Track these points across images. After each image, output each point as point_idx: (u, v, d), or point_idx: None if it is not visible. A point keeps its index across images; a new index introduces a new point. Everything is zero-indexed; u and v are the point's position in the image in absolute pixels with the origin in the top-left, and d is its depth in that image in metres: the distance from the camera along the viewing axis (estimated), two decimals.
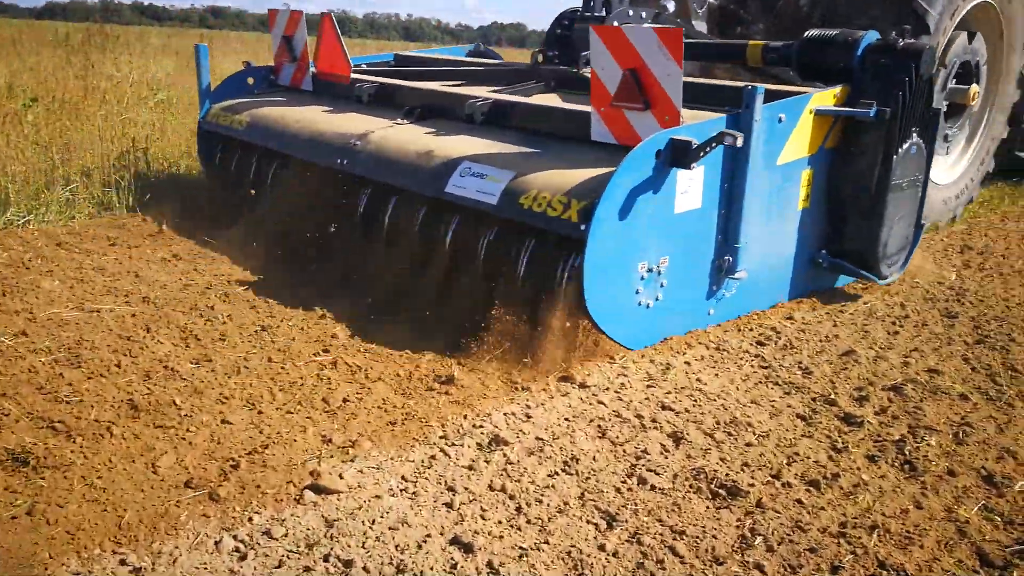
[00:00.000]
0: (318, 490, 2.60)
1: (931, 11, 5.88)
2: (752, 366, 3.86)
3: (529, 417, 3.20)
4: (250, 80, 6.62)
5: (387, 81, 5.85)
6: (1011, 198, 8.33)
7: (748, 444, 3.06)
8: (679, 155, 3.58)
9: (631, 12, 5.73)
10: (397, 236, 4.61)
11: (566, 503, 2.62)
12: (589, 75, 4.24)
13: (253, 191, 5.71)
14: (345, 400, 3.26)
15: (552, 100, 5.21)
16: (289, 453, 2.84)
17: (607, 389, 3.49)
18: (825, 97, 4.38)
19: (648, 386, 3.56)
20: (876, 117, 4.31)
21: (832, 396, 3.53)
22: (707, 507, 2.63)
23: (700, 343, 4.09)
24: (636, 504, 2.63)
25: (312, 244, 5.09)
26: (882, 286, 5.06)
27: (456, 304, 4.11)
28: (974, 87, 6.28)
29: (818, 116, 4.35)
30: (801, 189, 4.47)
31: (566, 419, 3.20)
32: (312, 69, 6.21)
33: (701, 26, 6.79)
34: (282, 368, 3.55)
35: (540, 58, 6.09)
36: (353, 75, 5.92)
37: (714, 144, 3.67)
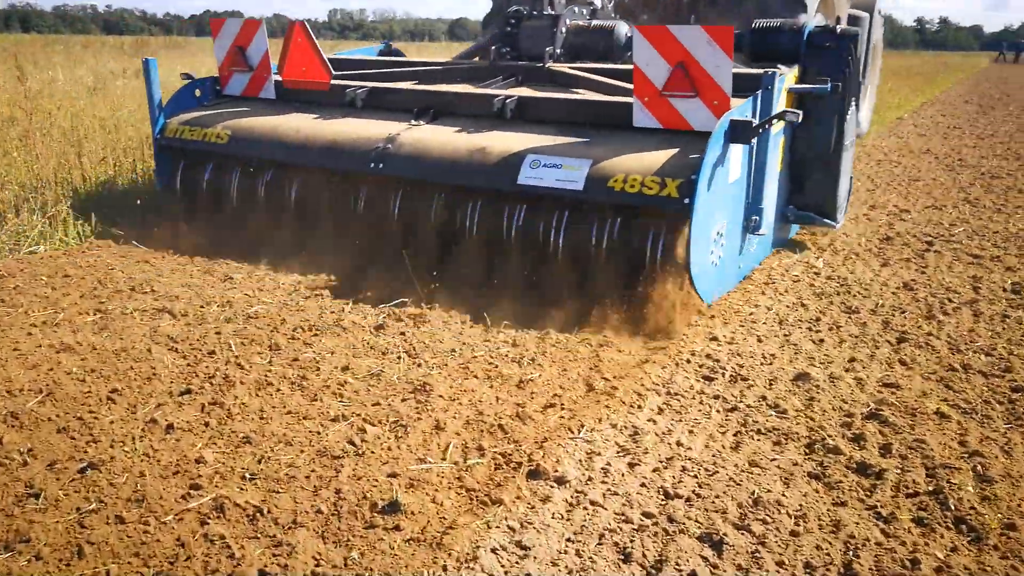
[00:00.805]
0: None
1: None
2: (719, 412, 3.31)
3: (525, 550, 2.39)
4: (197, 92, 6.34)
5: (378, 85, 5.81)
6: None
7: (793, 533, 2.49)
8: (740, 132, 4.21)
9: (576, 9, 6.48)
10: (462, 231, 4.81)
11: None
12: (553, 68, 5.66)
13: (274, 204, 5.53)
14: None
15: (535, 92, 5.44)
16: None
17: (590, 480, 2.76)
18: (791, 77, 5.05)
19: (631, 464, 2.88)
20: (831, 91, 4.98)
21: (825, 439, 3.07)
22: None
23: (645, 388, 3.49)
24: None
25: (385, 249, 5.02)
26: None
27: (550, 283, 4.51)
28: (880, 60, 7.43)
29: (789, 93, 4.96)
30: (779, 154, 5.07)
31: (569, 540, 2.44)
32: (275, 77, 6.05)
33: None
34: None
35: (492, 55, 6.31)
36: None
37: (776, 121, 4.47)
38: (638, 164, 4.26)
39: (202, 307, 4.39)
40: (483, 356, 3.79)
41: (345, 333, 4.03)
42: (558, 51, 6.20)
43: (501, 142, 4.76)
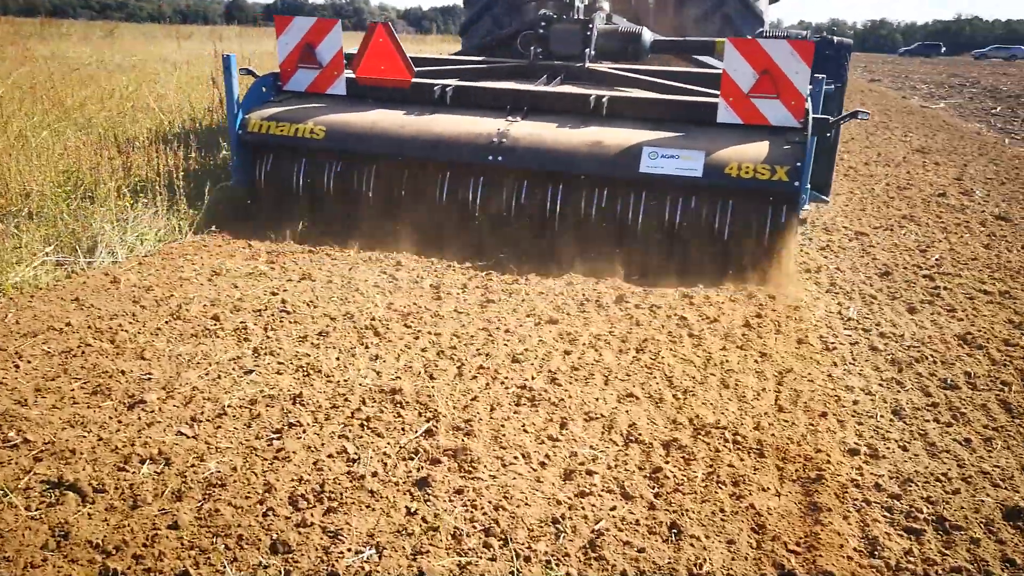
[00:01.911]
0: None
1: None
2: None
3: None
4: (263, 88, 6.40)
5: (462, 83, 6.17)
6: None
7: None
8: (820, 128, 5.25)
9: (603, 14, 7.08)
10: (587, 216, 5.52)
11: None
12: (592, 68, 6.45)
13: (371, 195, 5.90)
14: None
15: (624, 92, 6.04)
16: None
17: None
18: None
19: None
20: (835, 90, 5.98)
21: None
22: None
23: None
24: None
25: (519, 233, 5.62)
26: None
27: (683, 255, 5.33)
28: None
29: None
30: None
31: None
32: (348, 74, 6.21)
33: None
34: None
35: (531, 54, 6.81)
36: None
37: (847, 119, 5.35)
38: (745, 154, 5.18)
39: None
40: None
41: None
42: (592, 52, 6.66)
43: (612, 136, 5.45)
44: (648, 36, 6.96)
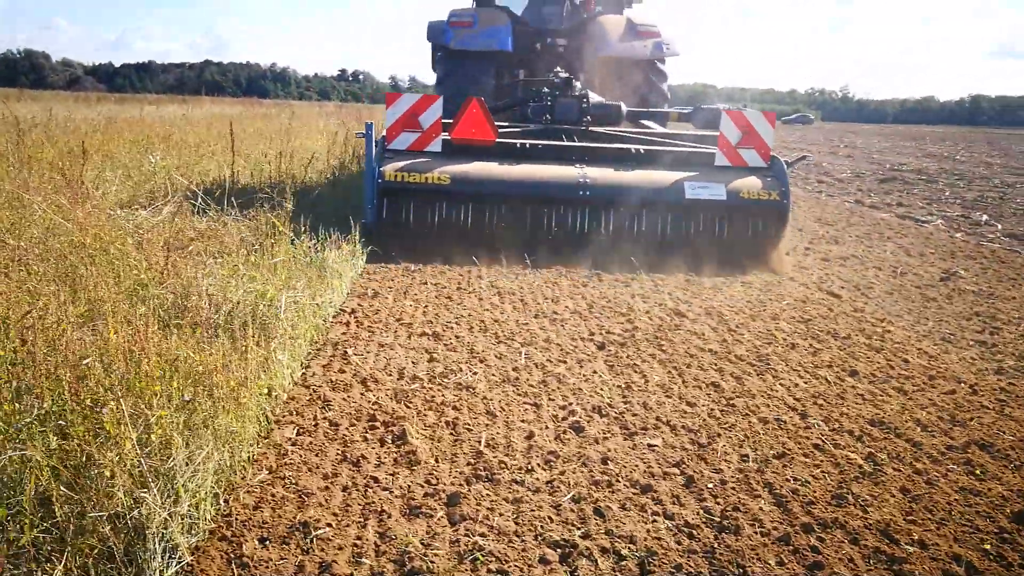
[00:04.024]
0: None
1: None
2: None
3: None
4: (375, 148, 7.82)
5: (532, 141, 8.12)
6: None
7: None
8: (785, 167, 7.94)
9: (587, 91, 9.17)
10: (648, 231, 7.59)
11: None
12: (594, 130, 8.80)
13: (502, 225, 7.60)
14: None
15: (654, 145, 8.43)
16: None
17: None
18: None
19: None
20: None
21: None
22: None
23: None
24: None
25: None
26: None
27: (716, 249, 7.57)
28: None
29: None
30: None
31: None
32: (444, 135, 7.81)
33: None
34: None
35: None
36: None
37: (799, 162, 8.70)
38: (748, 184, 7.70)
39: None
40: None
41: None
42: (587, 119, 8.89)
43: (659, 176, 7.69)
44: (624, 108, 9.48)
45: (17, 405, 2.95)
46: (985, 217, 12.06)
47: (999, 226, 11.31)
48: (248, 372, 3.63)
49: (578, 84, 9.21)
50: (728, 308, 6.11)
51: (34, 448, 2.73)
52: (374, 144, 7.50)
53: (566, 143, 8.26)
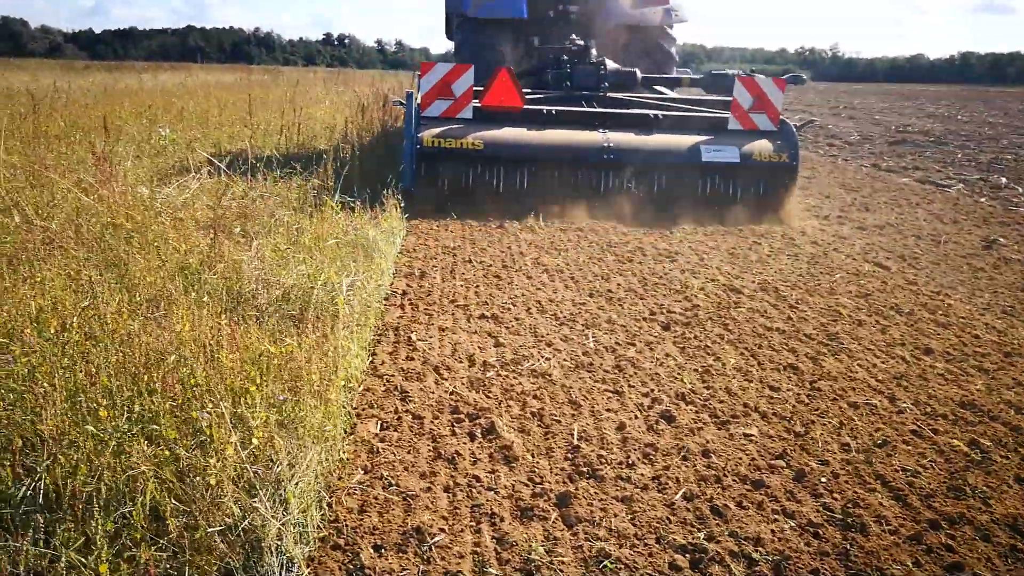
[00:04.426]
0: None
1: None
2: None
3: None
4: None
5: (558, 107, 8.40)
6: None
7: None
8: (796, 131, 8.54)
9: (604, 57, 9.60)
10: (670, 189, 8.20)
11: None
12: (611, 96, 9.14)
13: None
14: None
15: (671, 110, 8.75)
16: None
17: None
18: None
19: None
20: None
21: None
22: None
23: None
24: None
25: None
26: None
27: (727, 205, 8.22)
28: None
29: None
30: None
31: None
32: (475, 103, 8.08)
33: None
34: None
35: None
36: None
37: (808, 125, 9.88)
38: (759, 147, 8.19)
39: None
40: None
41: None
42: (605, 85, 9.25)
43: (677, 140, 8.16)
44: (639, 74, 9.85)
45: (112, 412, 2.79)
46: (1004, 180, 11.93)
47: (1020, 189, 11.21)
48: (328, 364, 3.49)
49: (594, 51, 9.51)
50: (782, 283, 5.98)
51: (140, 456, 2.58)
52: (413, 112, 7.76)
53: (587, 109, 8.59)
